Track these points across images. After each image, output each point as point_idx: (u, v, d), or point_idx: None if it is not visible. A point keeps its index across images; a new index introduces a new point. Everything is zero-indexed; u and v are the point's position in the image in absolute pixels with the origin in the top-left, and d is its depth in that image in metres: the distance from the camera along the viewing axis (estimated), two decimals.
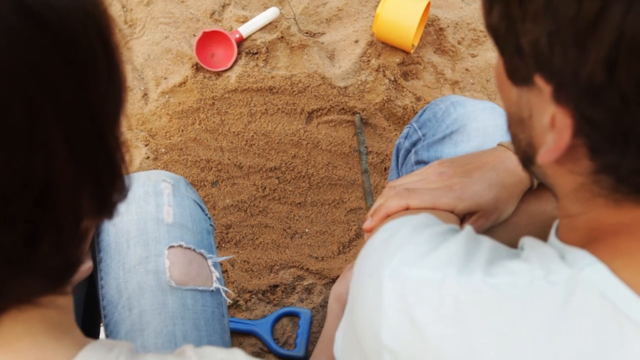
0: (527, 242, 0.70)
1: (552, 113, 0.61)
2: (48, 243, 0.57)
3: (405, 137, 1.26)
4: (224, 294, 1.10)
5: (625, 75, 0.54)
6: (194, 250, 1.07)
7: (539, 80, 0.61)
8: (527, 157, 0.72)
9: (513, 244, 0.73)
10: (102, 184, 0.61)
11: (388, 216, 0.92)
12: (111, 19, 0.59)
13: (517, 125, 0.70)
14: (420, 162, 1.17)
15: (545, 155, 0.64)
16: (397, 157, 1.29)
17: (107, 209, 0.63)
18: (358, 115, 1.87)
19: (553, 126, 0.62)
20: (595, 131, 0.59)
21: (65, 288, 0.64)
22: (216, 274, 1.09)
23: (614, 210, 0.65)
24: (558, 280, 0.62)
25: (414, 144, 1.22)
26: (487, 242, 0.71)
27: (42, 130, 0.52)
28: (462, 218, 0.96)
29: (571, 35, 0.56)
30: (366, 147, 1.84)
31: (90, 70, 0.56)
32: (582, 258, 0.63)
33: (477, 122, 1.14)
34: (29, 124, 0.51)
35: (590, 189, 0.65)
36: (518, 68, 0.64)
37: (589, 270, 0.62)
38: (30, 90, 0.51)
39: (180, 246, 1.06)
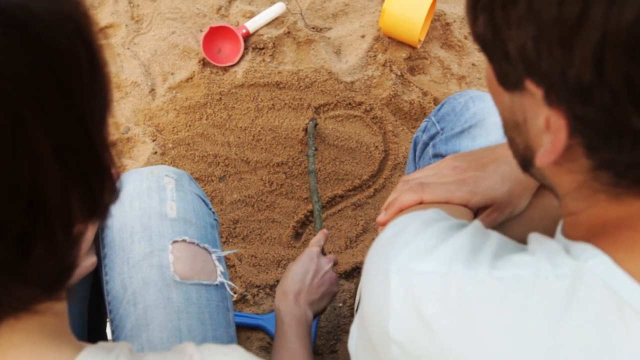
0: (533, 237, 0.70)
1: (545, 115, 0.61)
2: (41, 249, 0.57)
3: (423, 131, 1.26)
4: (228, 288, 1.10)
5: (613, 72, 0.54)
6: (197, 244, 1.08)
7: (529, 85, 0.61)
8: (525, 160, 0.72)
9: (527, 237, 0.73)
10: (92, 187, 0.60)
11: (401, 210, 0.93)
12: (92, 20, 0.58)
13: (513, 129, 0.70)
14: (438, 156, 1.17)
15: (543, 158, 0.64)
16: (415, 150, 1.29)
17: (98, 211, 0.63)
18: (313, 121, 1.87)
19: (548, 128, 0.62)
20: (589, 129, 0.59)
21: (60, 294, 0.63)
22: (220, 268, 1.09)
23: (615, 205, 0.65)
24: (563, 273, 0.62)
25: (432, 138, 1.22)
26: (494, 236, 0.72)
27: (27, 136, 0.52)
28: (476, 212, 0.96)
29: (556, 37, 0.56)
30: (316, 148, 1.84)
31: (73, 73, 0.55)
32: (587, 251, 0.63)
33: (495, 116, 1.14)
34: (12, 131, 0.51)
35: (590, 186, 0.65)
36: (508, 74, 0.64)
37: (593, 262, 0.62)
38: (12, 97, 0.50)
39: (184, 241, 1.06)
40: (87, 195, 0.60)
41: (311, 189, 1.73)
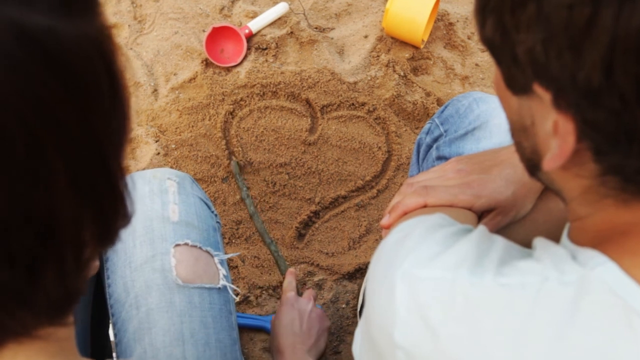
0: (539, 242, 0.70)
1: (554, 119, 0.61)
2: (49, 276, 0.55)
3: (427, 133, 1.26)
4: (231, 291, 1.10)
5: (623, 76, 0.54)
6: (200, 248, 1.08)
7: (538, 88, 0.61)
8: (532, 164, 0.72)
9: (531, 241, 0.73)
10: (105, 214, 0.59)
11: (405, 213, 0.93)
12: (116, 44, 0.57)
13: (520, 133, 0.70)
14: (442, 158, 1.17)
15: (550, 162, 0.64)
16: (418, 152, 1.29)
17: (109, 237, 0.62)
18: (234, 161, 1.82)
19: (556, 132, 0.62)
20: (598, 134, 0.59)
21: (66, 319, 0.61)
22: (223, 271, 1.09)
23: (622, 211, 0.65)
24: (569, 280, 0.62)
25: (436, 140, 1.22)
26: (499, 241, 0.71)
27: (43, 163, 0.50)
28: (480, 215, 0.95)
29: (565, 41, 0.56)
30: (248, 187, 1.80)
31: (94, 100, 0.54)
32: (593, 257, 0.63)
33: (499, 118, 1.14)
34: (29, 157, 0.49)
35: (597, 190, 0.65)
36: (516, 77, 0.64)
37: (600, 270, 0.62)
38: (29, 122, 0.49)
39: (186, 244, 1.06)
40: (100, 222, 0.59)
41: (260, 232, 1.68)
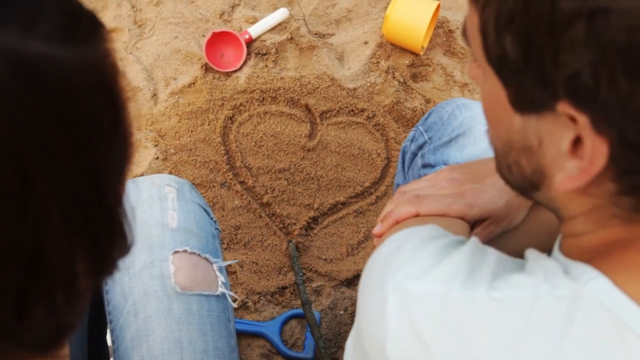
0: (531, 254, 0.69)
1: (571, 139, 0.59)
2: (38, 310, 0.53)
3: (411, 141, 1.26)
4: (229, 299, 1.10)
5: None
6: (199, 255, 1.07)
7: (567, 109, 0.57)
8: (531, 184, 0.69)
9: (523, 251, 0.72)
10: (101, 246, 0.56)
11: (398, 222, 0.92)
12: (119, 71, 0.54)
13: (521, 153, 0.67)
14: (427, 166, 1.16)
15: (567, 183, 0.62)
16: (403, 160, 1.28)
17: (106, 268, 0.59)
18: (292, 243, 1.75)
19: (574, 153, 0.60)
20: (637, 156, 0.57)
21: (58, 352, 0.59)
22: (222, 278, 1.09)
23: (625, 228, 0.64)
24: (562, 295, 0.61)
25: (420, 147, 1.22)
26: (492, 254, 0.70)
27: (34, 198, 0.48)
28: (473, 224, 0.95)
29: (621, 65, 0.52)
30: (304, 273, 1.73)
31: (92, 132, 0.51)
32: (586, 272, 0.62)
33: (483, 124, 1.13)
34: (18, 191, 0.47)
35: (607, 210, 0.63)
36: (532, 97, 0.60)
37: (592, 285, 0.61)
38: (20, 155, 0.46)
39: (185, 251, 1.06)
40: (95, 255, 0.56)
41: (310, 324, 1.58)
